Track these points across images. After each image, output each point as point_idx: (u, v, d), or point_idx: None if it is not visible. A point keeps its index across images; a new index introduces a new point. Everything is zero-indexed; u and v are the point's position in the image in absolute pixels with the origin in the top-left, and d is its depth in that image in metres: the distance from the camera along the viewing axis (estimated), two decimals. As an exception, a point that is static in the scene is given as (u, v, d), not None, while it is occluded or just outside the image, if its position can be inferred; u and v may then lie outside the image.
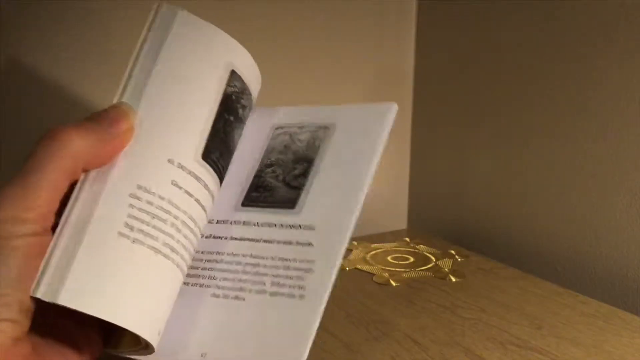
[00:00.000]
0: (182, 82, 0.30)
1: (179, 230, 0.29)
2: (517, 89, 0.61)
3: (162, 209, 0.28)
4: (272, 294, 0.30)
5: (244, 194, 0.34)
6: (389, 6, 0.70)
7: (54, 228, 0.26)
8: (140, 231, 0.27)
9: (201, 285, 0.32)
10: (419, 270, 0.57)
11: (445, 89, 0.71)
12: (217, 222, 0.34)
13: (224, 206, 0.34)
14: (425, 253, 0.62)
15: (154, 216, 0.28)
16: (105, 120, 0.27)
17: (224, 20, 0.58)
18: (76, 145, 0.26)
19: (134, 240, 0.27)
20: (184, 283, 0.31)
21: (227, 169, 0.33)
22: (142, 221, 0.27)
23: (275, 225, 0.32)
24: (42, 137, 0.26)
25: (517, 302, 0.49)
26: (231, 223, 0.33)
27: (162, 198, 0.28)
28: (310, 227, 0.31)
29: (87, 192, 0.27)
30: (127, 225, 0.27)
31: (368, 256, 0.62)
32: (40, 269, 0.25)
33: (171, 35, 0.30)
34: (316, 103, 0.68)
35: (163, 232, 0.28)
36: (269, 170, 0.35)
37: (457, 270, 0.57)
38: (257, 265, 0.31)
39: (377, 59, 0.71)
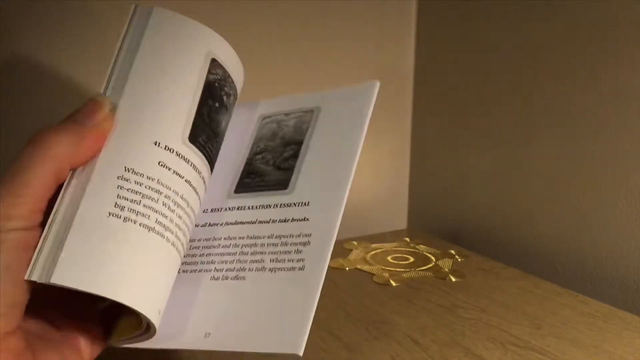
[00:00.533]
0: (164, 71, 0.31)
1: (172, 210, 0.29)
2: (517, 88, 0.61)
3: (151, 189, 0.28)
4: (272, 270, 0.30)
5: (236, 181, 0.35)
6: (389, 6, 0.70)
7: (43, 226, 0.27)
8: (131, 210, 0.27)
9: (200, 271, 0.32)
10: (419, 270, 0.57)
11: (445, 89, 0.71)
12: (212, 210, 0.34)
13: (217, 195, 0.35)
14: (425, 253, 0.62)
15: (144, 196, 0.28)
16: (80, 115, 0.28)
17: (224, 20, 0.58)
18: (56, 147, 0.26)
19: (125, 219, 0.27)
20: (183, 270, 0.32)
21: (216, 154, 0.34)
22: (132, 201, 0.28)
23: (269, 206, 0.33)
24: (26, 142, 0.27)
25: (517, 302, 0.49)
26: (225, 210, 0.34)
27: (150, 178, 0.28)
28: (305, 204, 0.32)
29: (76, 180, 0.28)
30: (116, 205, 0.27)
31: (368, 256, 0.62)
32: (34, 255, 0.26)
33: (149, 29, 0.31)
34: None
35: (155, 211, 0.28)
36: (259, 157, 0.35)
37: (457, 270, 0.57)
38: (255, 245, 0.32)
39: (377, 59, 0.71)
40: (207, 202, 0.34)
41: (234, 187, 0.35)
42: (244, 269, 0.31)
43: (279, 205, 0.33)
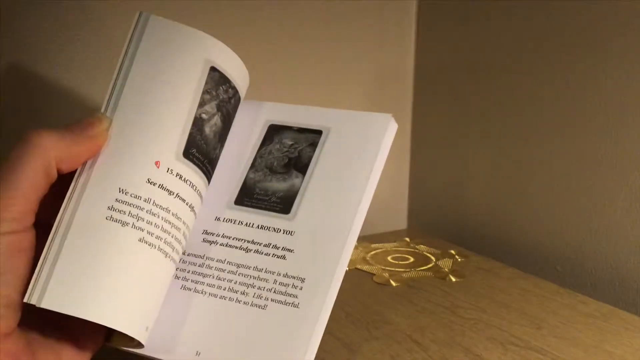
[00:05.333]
0: (157, 84, 0.30)
1: (164, 230, 0.29)
2: (517, 89, 0.61)
3: (144, 209, 0.28)
4: (265, 299, 0.30)
5: (237, 192, 0.34)
6: (389, 6, 0.70)
7: (37, 226, 0.27)
8: (122, 232, 0.28)
9: (194, 287, 0.32)
10: (419, 270, 0.57)
11: (445, 88, 0.71)
12: (210, 219, 0.34)
13: (215, 203, 0.34)
14: (425, 253, 0.62)
15: (137, 217, 0.28)
16: (78, 125, 0.29)
17: (224, 21, 0.58)
18: (47, 145, 0.27)
19: (116, 240, 0.28)
20: (177, 284, 0.32)
21: (214, 164, 0.33)
22: (124, 223, 0.28)
23: (269, 228, 0.32)
24: (18, 141, 0.27)
25: (517, 302, 0.49)
26: (223, 220, 0.33)
27: (142, 199, 0.29)
28: (304, 234, 0.31)
29: (72, 200, 0.28)
30: (107, 228, 0.28)
31: (368, 256, 0.62)
32: (35, 275, 0.26)
33: (144, 41, 0.30)
34: (317, 103, 0.68)
35: (148, 232, 0.28)
36: (263, 169, 0.34)
37: (457, 270, 0.57)
38: (249, 267, 0.31)
39: (377, 59, 0.71)
40: (204, 209, 0.33)
41: (234, 198, 0.34)
42: (236, 291, 0.31)
43: (275, 230, 0.32)
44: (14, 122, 0.50)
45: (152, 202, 0.29)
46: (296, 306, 0.29)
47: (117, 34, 0.53)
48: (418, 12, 0.72)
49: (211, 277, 0.32)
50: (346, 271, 0.57)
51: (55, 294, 0.26)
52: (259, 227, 0.32)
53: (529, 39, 0.59)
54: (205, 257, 0.32)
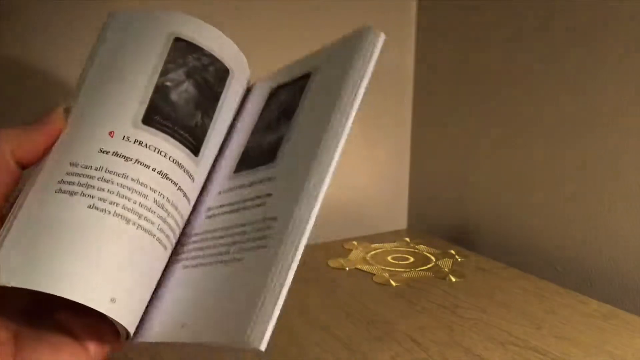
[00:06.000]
0: (115, 63, 0.31)
1: (121, 196, 0.28)
2: (517, 89, 0.61)
3: (93, 177, 0.28)
4: (243, 250, 0.28)
5: (236, 161, 0.33)
6: (389, 6, 0.70)
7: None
8: (68, 196, 0.27)
9: (192, 263, 0.31)
10: (419, 270, 0.57)
11: (445, 89, 0.71)
12: (214, 195, 0.33)
13: (221, 179, 0.33)
14: (425, 253, 0.62)
15: (84, 185, 0.28)
16: (36, 119, 0.29)
17: (220, 21, 0.58)
18: (1, 139, 0.28)
19: (62, 205, 0.27)
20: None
21: (196, 134, 0.32)
22: (70, 192, 0.28)
23: (254, 183, 0.31)
24: None
25: (517, 302, 0.49)
26: (222, 192, 0.33)
27: (92, 167, 0.28)
28: (281, 176, 0.29)
29: (28, 183, 0.28)
30: (54, 196, 0.27)
31: (368, 256, 0.62)
32: None
33: (109, 31, 0.31)
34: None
35: (96, 195, 0.28)
36: (260, 130, 0.34)
37: (457, 270, 0.57)
38: (235, 226, 0.30)
39: (377, 59, 0.71)
40: (211, 187, 0.33)
41: (234, 168, 0.33)
42: (221, 253, 0.29)
43: (262, 181, 0.30)
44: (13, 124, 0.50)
45: (104, 169, 0.28)
46: (264, 247, 0.27)
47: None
48: (418, 12, 0.72)
49: (206, 248, 0.31)
50: (346, 271, 0.57)
51: (3, 267, 0.25)
52: (249, 184, 0.31)
53: (529, 39, 0.59)
54: (204, 232, 0.32)
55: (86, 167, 0.28)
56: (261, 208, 0.29)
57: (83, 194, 0.27)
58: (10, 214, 0.27)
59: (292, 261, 0.25)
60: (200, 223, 0.32)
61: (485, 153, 0.66)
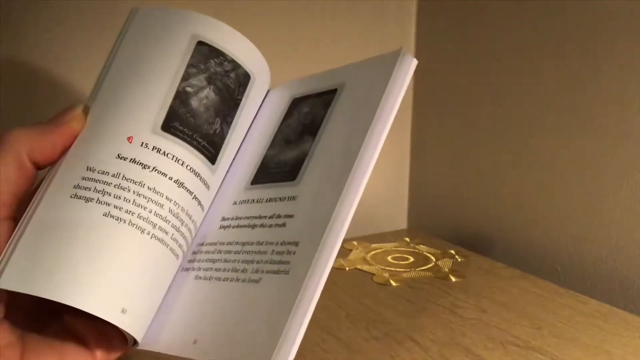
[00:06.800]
0: (135, 65, 0.30)
1: (136, 204, 0.28)
2: (517, 89, 0.61)
3: (110, 184, 0.27)
4: (261, 272, 0.28)
5: (254, 172, 0.32)
6: (389, 6, 0.70)
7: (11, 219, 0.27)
8: (84, 202, 0.27)
9: (205, 274, 0.30)
10: (419, 270, 0.57)
11: (445, 88, 0.71)
12: (228, 204, 0.32)
13: (236, 188, 0.32)
14: (425, 253, 0.62)
15: (101, 191, 0.27)
16: (52, 117, 0.29)
17: (224, 20, 0.58)
18: (17, 140, 0.27)
19: (78, 211, 0.27)
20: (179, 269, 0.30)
21: (214, 142, 0.31)
22: (86, 198, 0.27)
23: (273, 199, 0.30)
24: None
25: (517, 302, 0.49)
26: (238, 203, 0.32)
27: (109, 174, 0.28)
28: (305, 197, 0.28)
29: (43, 185, 0.28)
30: (70, 202, 0.27)
31: (368, 256, 0.62)
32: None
33: (130, 29, 0.31)
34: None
35: (112, 202, 0.27)
36: (278, 145, 0.32)
37: (457, 270, 0.57)
38: (252, 243, 0.29)
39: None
40: (224, 196, 0.32)
41: (251, 179, 0.32)
42: (237, 270, 0.29)
43: (283, 199, 0.29)
44: (13, 124, 0.50)
45: (121, 176, 0.28)
46: (286, 273, 0.26)
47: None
48: (418, 12, 0.72)
49: (219, 261, 0.30)
50: (346, 271, 0.57)
51: (12, 273, 0.25)
52: (267, 200, 0.30)
53: (529, 39, 0.59)
54: (218, 243, 0.31)
55: (103, 173, 0.27)
56: (281, 229, 0.28)
57: (99, 201, 0.27)
58: (23, 216, 0.27)
59: (317, 288, 0.25)
60: (214, 233, 0.31)
61: (486, 153, 0.66)
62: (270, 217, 0.29)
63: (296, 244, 0.27)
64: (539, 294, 0.51)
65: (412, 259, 0.61)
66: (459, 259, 0.60)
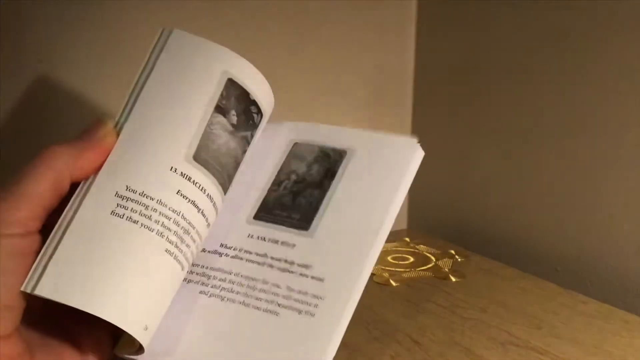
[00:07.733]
0: (173, 90, 0.31)
1: (168, 228, 0.29)
2: (517, 89, 0.61)
3: (149, 207, 0.29)
4: (278, 305, 0.30)
5: (257, 206, 0.34)
6: (389, 6, 0.70)
7: (47, 233, 0.28)
8: (124, 225, 0.28)
9: (200, 291, 0.32)
10: (419, 270, 0.57)
11: (445, 89, 0.71)
12: (227, 232, 0.34)
13: (234, 218, 0.34)
14: (425, 253, 0.62)
15: (141, 213, 0.29)
16: (84, 131, 0.29)
17: (221, 21, 0.58)
18: (56, 159, 0.28)
19: (117, 232, 0.28)
20: (185, 287, 0.31)
21: (230, 176, 0.33)
22: (128, 217, 0.28)
23: (283, 243, 0.32)
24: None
25: (517, 302, 0.49)
26: (240, 235, 0.33)
27: (149, 197, 0.29)
28: (322, 252, 0.32)
29: (77, 194, 0.29)
30: (109, 219, 0.28)
31: (368, 256, 0.62)
32: (33, 266, 0.27)
33: (165, 51, 0.32)
34: (316, 102, 0.68)
35: (150, 228, 0.29)
36: (286, 186, 0.35)
37: (457, 270, 0.57)
38: (258, 280, 0.31)
39: (377, 59, 0.71)
40: (223, 222, 0.33)
41: (253, 213, 0.34)
42: (250, 296, 0.31)
43: (294, 247, 0.32)
44: (14, 125, 0.50)
45: (158, 200, 0.29)
46: (312, 315, 0.30)
47: (122, 37, 0.53)
48: (418, 12, 0.72)
49: (226, 290, 0.32)
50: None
51: (49, 282, 0.26)
52: (276, 241, 0.33)
53: (530, 39, 0.59)
54: (220, 271, 0.32)
55: (143, 195, 0.29)
56: (301, 278, 0.31)
57: (140, 223, 0.28)
58: (58, 226, 0.28)
59: (344, 329, 0.29)
60: (212, 257, 0.33)
61: (485, 153, 0.66)
62: (280, 260, 0.32)
63: (320, 298, 0.30)
64: (539, 294, 0.51)
65: (412, 259, 0.61)
66: (459, 259, 0.60)
